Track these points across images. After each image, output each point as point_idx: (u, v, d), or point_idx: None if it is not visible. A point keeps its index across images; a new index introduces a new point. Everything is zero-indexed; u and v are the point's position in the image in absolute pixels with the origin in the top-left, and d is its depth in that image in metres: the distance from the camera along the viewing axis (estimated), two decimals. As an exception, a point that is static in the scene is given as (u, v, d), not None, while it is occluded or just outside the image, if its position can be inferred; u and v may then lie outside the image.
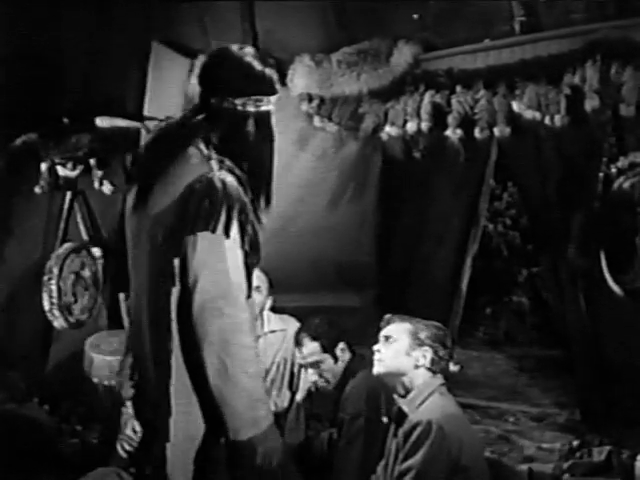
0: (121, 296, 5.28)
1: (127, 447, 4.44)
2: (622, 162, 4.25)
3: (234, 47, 3.01)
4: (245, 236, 2.87)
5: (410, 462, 3.44)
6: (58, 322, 5.42)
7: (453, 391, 3.81)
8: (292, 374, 4.79)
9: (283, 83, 5.14)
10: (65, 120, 5.41)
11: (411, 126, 4.72)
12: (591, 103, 4.20)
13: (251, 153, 3.04)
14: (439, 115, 4.67)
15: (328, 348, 4.39)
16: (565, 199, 4.69)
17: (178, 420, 2.89)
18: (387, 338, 3.76)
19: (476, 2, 4.73)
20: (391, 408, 3.79)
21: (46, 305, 5.35)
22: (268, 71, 3.02)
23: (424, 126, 4.69)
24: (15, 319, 5.58)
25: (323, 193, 5.34)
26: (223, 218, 2.80)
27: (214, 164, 2.88)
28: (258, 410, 2.84)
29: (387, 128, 4.81)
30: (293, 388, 4.79)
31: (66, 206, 5.65)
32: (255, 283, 4.81)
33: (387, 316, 3.85)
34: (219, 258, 2.79)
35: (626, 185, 4.21)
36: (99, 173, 5.58)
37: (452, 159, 4.76)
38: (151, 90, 5.70)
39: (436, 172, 5.03)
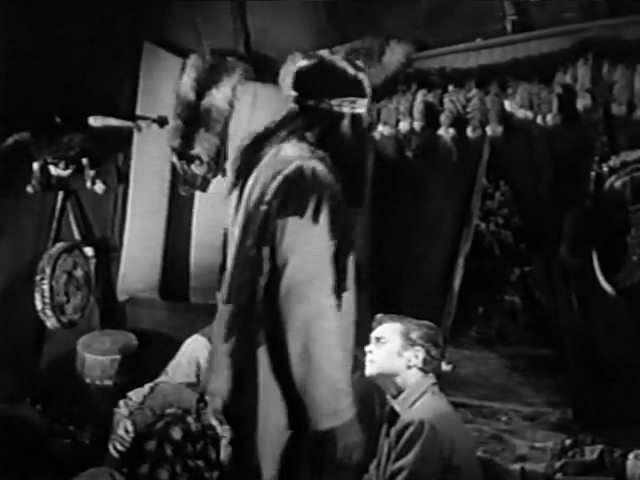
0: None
1: (119, 447, 4.47)
2: (614, 161, 4.25)
3: (324, 53, 3.22)
4: (335, 223, 2.88)
5: (402, 462, 3.44)
6: (50, 322, 5.42)
7: (445, 390, 3.81)
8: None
9: (275, 82, 5.15)
10: (57, 119, 5.41)
11: (404, 125, 4.72)
12: (583, 102, 4.20)
13: (346, 152, 3.08)
14: (431, 114, 4.67)
15: None
16: (557, 198, 4.69)
17: (265, 410, 2.88)
18: (379, 339, 3.76)
19: (468, 1, 4.73)
20: (384, 409, 3.79)
21: (38, 305, 5.35)
22: (360, 75, 3.09)
23: (417, 125, 4.69)
24: (7, 319, 5.58)
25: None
26: (312, 204, 2.83)
27: (305, 153, 2.94)
28: (340, 401, 2.81)
29: (380, 127, 4.80)
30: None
31: (58, 205, 5.66)
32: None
33: (378, 316, 3.84)
34: (307, 243, 2.82)
35: (618, 184, 4.21)
36: (91, 172, 5.59)
37: (444, 158, 4.75)
38: (143, 89, 5.70)
39: (429, 171, 5.02)
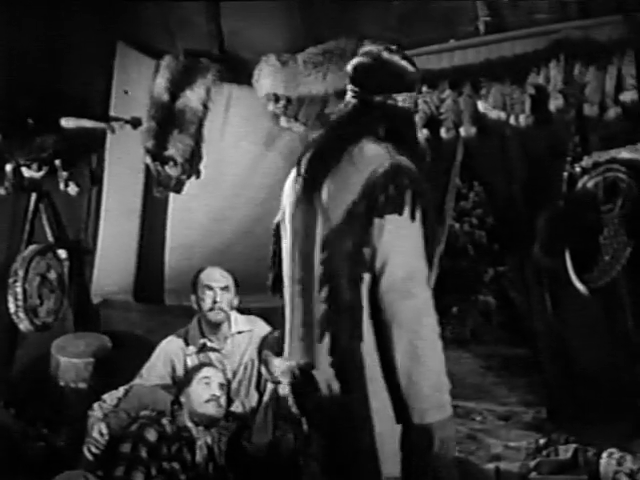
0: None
1: (94, 450, 4.45)
2: (586, 161, 4.28)
3: (382, 51, 3.09)
4: (427, 218, 2.92)
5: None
6: (24, 325, 5.38)
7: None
8: (259, 375, 4.78)
9: (249, 83, 5.15)
10: (30, 121, 5.38)
11: (377, 126, 4.73)
12: (555, 103, 4.23)
13: (414, 146, 3.17)
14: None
15: None
16: (530, 198, 4.72)
17: (377, 405, 2.89)
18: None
19: (441, 2, 4.74)
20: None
21: (11, 307, 5.31)
22: (416, 73, 3.13)
23: (390, 126, 4.70)
24: (-20, 322, 5.54)
25: (290, 194, 5.33)
26: (409, 201, 2.86)
27: (392, 152, 2.95)
28: (444, 394, 2.84)
29: (354, 128, 4.81)
30: (260, 389, 4.79)
31: (31, 207, 5.62)
32: (223, 283, 4.86)
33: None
34: (406, 240, 2.86)
35: (590, 184, 4.24)
36: (64, 174, 5.55)
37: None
38: (117, 90, 5.68)
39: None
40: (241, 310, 4.96)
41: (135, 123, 5.42)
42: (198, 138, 5.38)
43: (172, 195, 5.54)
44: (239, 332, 4.89)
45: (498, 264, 8.17)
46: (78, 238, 5.89)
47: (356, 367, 2.89)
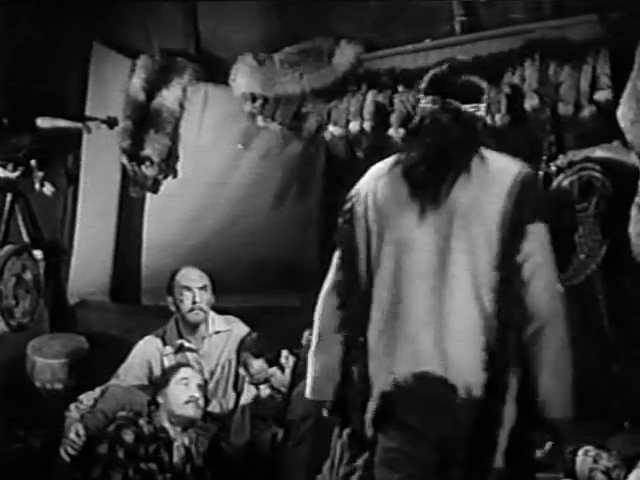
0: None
1: (71, 451, 4.44)
2: (561, 160, 4.30)
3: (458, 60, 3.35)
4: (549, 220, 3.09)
5: (357, 462, 3.44)
6: (-1, 325, 5.36)
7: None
8: (237, 375, 4.78)
9: (226, 83, 5.14)
10: (5, 120, 5.34)
11: (354, 125, 4.74)
12: (530, 102, 4.25)
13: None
14: (382, 114, 4.69)
15: (273, 361, 4.41)
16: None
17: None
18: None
19: (417, 2, 4.75)
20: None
21: (-14, 308, 5.28)
22: (484, 83, 3.24)
23: (367, 125, 4.71)
24: (-45, 323, 5.50)
25: (267, 193, 5.33)
26: (547, 207, 3.12)
27: (517, 161, 3.09)
28: (569, 395, 3.00)
29: (330, 128, 4.82)
30: (238, 389, 4.79)
31: (6, 208, 5.58)
32: (201, 283, 4.86)
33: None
34: (547, 244, 3.03)
35: (565, 183, 4.25)
36: (40, 174, 5.52)
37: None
38: (92, 90, 5.66)
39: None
40: (219, 310, 4.96)
41: (111, 123, 5.39)
42: (175, 138, 5.37)
43: (149, 195, 5.52)
44: (217, 332, 4.89)
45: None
46: (54, 238, 5.86)
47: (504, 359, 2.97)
